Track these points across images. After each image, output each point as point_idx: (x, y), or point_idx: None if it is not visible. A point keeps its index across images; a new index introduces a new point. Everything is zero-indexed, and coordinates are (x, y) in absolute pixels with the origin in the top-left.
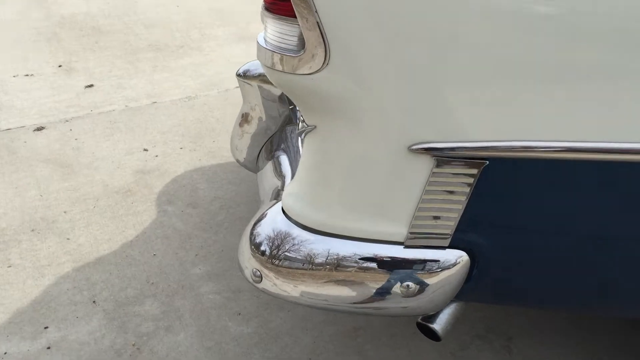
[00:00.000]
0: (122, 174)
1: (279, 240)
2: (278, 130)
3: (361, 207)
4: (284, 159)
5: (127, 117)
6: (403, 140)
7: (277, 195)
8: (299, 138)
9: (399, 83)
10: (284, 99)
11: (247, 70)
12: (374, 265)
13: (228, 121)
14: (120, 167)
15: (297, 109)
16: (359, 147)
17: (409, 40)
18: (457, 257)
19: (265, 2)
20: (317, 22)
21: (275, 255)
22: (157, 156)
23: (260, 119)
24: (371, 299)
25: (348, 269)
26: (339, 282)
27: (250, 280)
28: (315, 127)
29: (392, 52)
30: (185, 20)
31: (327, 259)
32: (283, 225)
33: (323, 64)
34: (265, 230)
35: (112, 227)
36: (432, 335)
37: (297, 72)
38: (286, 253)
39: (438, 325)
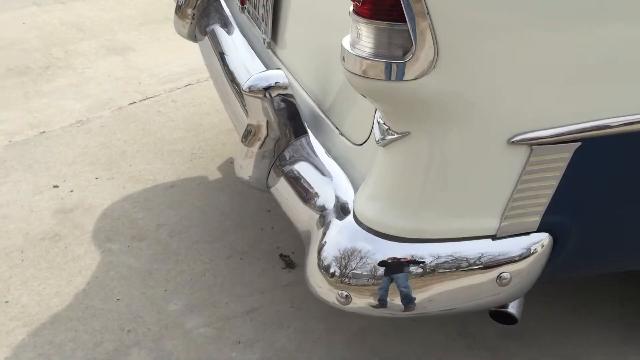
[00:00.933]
0: (40, 217)
1: (369, 257)
2: (290, 145)
3: (457, 207)
4: (304, 174)
5: (18, 154)
6: (503, 134)
7: (323, 215)
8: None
9: (502, 79)
10: (296, 112)
11: (254, 85)
12: (476, 262)
13: (138, 141)
14: (33, 210)
15: (380, 117)
16: (459, 147)
17: (512, 37)
18: (543, 239)
19: (363, 8)
20: (429, 25)
21: (370, 274)
22: (72, 191)
23: (269, 134)
24: (473, 296)
25: (452, 270)
26: (444, 285)
27: (337, 304)
28: (409, 132)
29: (498, 49)
30: (39, 37)
31: (429, 265)
32: (368, 240)
33: (430, 67)
34: (344, 251)
35: (55, 279)
36: (508, 319)
37: (402, 78)
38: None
39: (513, 309)
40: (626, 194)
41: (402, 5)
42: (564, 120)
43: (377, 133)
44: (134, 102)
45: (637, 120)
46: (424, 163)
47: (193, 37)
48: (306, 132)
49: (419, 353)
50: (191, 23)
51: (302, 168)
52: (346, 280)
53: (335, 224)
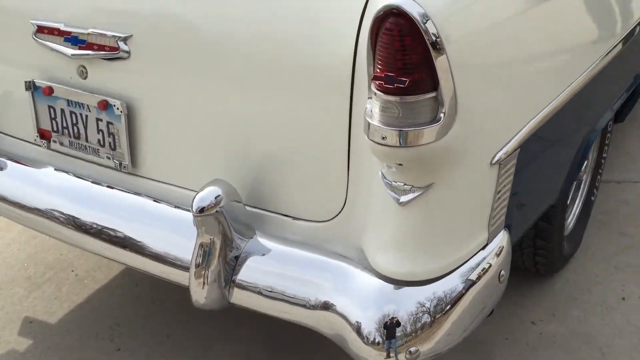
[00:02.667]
0: None
1: (424, 306)
2: (244, 251)
3: (467, 234)
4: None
5: None
6: (488, 159)
7: (328, 301)
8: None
9: (492, 120)
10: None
11: (204, 205)
12: (487, 273)
13: None
14: None
15: (395, 183)
16: (464, 181)
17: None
18: (504, 234)
19: (404, 87)
20: (454, 92)
21: (426, 323)
22: None
23: (225, 247)
24: (486, 299)
25: (475, 290)
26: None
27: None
28: (432, 184)
29: (492, 100)
30: None
31: (458, 294)
32: (412, 294)
33: (452, 122)
34: (392, 315)
35: None
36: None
37: (442, 137)
38: (436, 310)
39: None
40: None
41: (439, 81)
42: (512, 135)
43: (392, 198)
44: None
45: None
46: (449, 204)
47: None
48: (254, 234)
49: None
50: None
51: (272, 267)
52: (413, 334)
53: (356, 299)
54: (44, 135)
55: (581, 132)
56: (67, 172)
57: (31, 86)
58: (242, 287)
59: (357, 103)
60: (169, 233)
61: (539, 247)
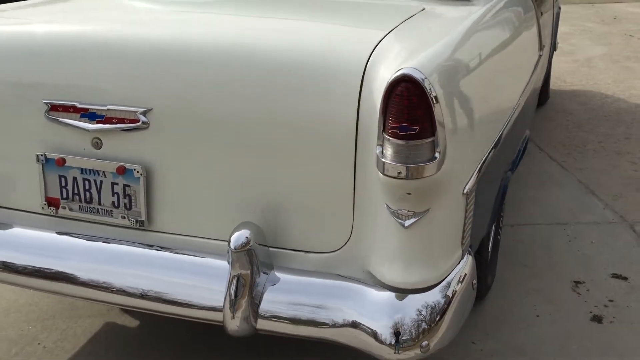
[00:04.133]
0: None
1: (429, 308)
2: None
3: (450, 251)
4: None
5: None
6: (461, 190)
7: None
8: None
9: (462, 160)
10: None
11: (240, 243)
12: (465, 281)
13: None
14: None
15: (399, 211)
16: (448, 206)
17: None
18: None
19: (405, 134)
20: (445, 136)
21: (431, 321)
22: None
23: (254, 279)
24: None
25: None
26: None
27: (420, 353)
28: (429, 209)
29: (462, 144)
30: None
31: (454, 292)
32: (419, 299)
33: (445, 159)
34: (406, 320)
35: None
36: None
37: (433, 173)
38: (438, 311)
39: None
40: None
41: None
42: (471, 173)
43: (398, 223)
44: None
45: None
46: (440, 225)
47: None
48: (272, 268)
49: None
50: None
51: (291, 296)
52: (425, 333)
53: (371, 311)
54: (51, 202)
55: (501, 176)
56: (78, 235)
57: (42, 159)
58: (266, 315)
59: (360, 154)
60: (190, 277)
61: None
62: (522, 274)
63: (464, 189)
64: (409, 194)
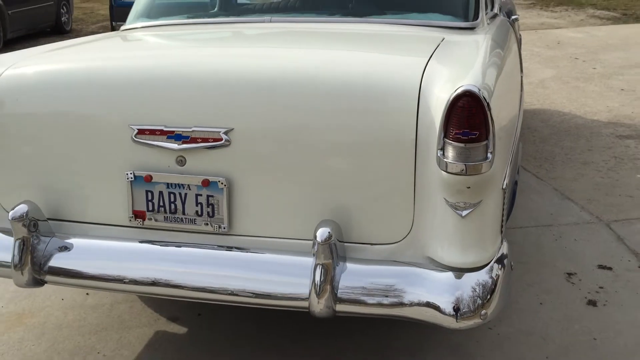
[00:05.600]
0: None
1: (485, 283)
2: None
3: (494, 236)
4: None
5: None
6: (500, 185)
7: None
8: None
9: (501, 160)
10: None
11: (327, 237)
12: (506, 262)
13: None
14: None
15: (457, 204)
16: (494, 200)
17: (504, 139)
18: None
19: (467, 138)
20: (494, 140)
21: (487, 294)
22: None
23: (335, 268)
24: (509, 279)
25: (505, 272)
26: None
27: (481, 321)
28: (481, 200)
29: (501, 146)
30: None
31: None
32: (477, 275)
33: (494, 160)
34: (466, 293)
35: None
36: None
37: (487, 170)
38: (491, 285)
39: None
40: None
41: (489, 133)
42: (505, 172)
43: (456, 213)
44: None
45: None
46: (489, 215)
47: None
48: (345, 260)
49: None
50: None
51: (363, 282)
52: (484, 304)
53: (436, 289)
54: (138, 215)
55: (515, 177)
56: (165, 243)
57: (131, 177)
58: (344, 299)
59: (420, 158)
60: (275, 273)
61: None
62: (519, 269)
63: (502, 184)
64: (469, 187)
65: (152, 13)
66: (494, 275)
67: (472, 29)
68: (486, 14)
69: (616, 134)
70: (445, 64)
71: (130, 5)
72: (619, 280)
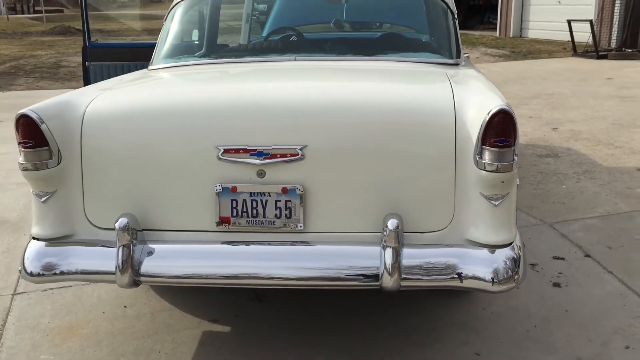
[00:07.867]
0: None
1: (511, 255)
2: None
3: (514, 220)
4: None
5: None
6: (516, 182)
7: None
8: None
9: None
10: None
11: (395, 227)
12: (521, 242)
13: None
14: None
15: (492, 196)
16: (514, 192)
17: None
18: None
19: (502, 144)
20: (515, 144)
21: (514, 264)
22: None
23: (400, 251)
24: (525, 256)
25: (523, 248)
26: (524, 254)
27: (515, 284)
28: (509, 192)
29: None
30: None
31: (520, 250)
32: (504, 251)
33: (517, 160)
34: (499, 264)
35: None
36: None
37: (515, 168)
38: (517, 258)
39: None
40: None
41: (516, 139)
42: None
43: (490, 203)
44: None
45: None
46: (512, 204)
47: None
48: (403, 245)
49: None
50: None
51: (420, 260)
52: (511, 270)
53: (478, 263)
54: (223, 221)
55: None
56: (250, 242)
57: (219, 188)
58: (407, 275)
59: (459, 162)
60: (350, 260)
61: None
62: None
63: (517, 181)
64: (503, 182)
65: (177, 52)
66: (517, 250)
67: (457, 64)
68: None
69: (536, 154)
70: (465, 90)
71: (103, 47)
72: (572, 267)
